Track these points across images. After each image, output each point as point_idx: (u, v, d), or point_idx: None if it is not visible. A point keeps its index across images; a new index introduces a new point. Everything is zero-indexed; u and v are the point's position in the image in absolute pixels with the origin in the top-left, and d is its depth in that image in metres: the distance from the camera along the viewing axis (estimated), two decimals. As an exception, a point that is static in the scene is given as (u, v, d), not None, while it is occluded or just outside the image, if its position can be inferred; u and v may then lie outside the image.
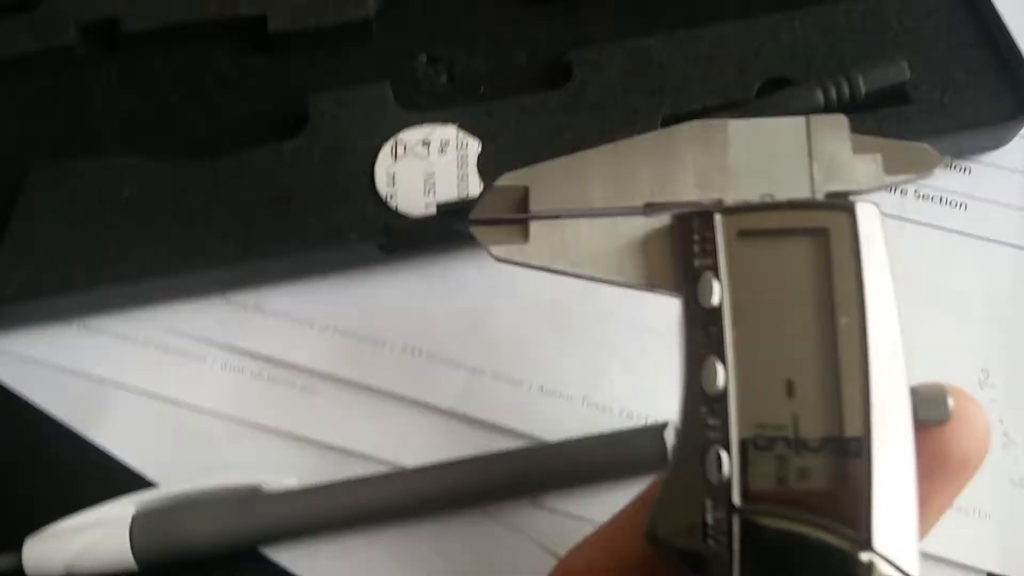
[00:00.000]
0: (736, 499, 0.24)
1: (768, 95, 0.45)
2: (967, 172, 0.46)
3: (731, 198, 0.28)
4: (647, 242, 0.28)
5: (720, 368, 0.25)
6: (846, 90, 0.44)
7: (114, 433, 0.42)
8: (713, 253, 0.26)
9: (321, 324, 0.44)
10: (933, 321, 0.43)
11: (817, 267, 0.26)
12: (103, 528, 0.38)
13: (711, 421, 0.25)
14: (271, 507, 0.39)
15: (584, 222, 0.28)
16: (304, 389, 0.43)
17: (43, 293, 0.42)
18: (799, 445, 0.25)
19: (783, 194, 0.28)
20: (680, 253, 0.27)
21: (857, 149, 0.29)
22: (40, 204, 0.44)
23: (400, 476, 0.40)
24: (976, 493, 0.38)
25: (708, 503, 0.24)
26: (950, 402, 0.25)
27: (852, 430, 0.24)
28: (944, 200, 0.46)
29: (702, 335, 0.25)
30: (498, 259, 0.29)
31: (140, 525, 0.38)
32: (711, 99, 0.45)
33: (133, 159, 0.45)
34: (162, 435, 0.42)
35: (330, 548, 0.40)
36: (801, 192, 0.28)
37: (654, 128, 0.43)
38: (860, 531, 0.24)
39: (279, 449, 0.42)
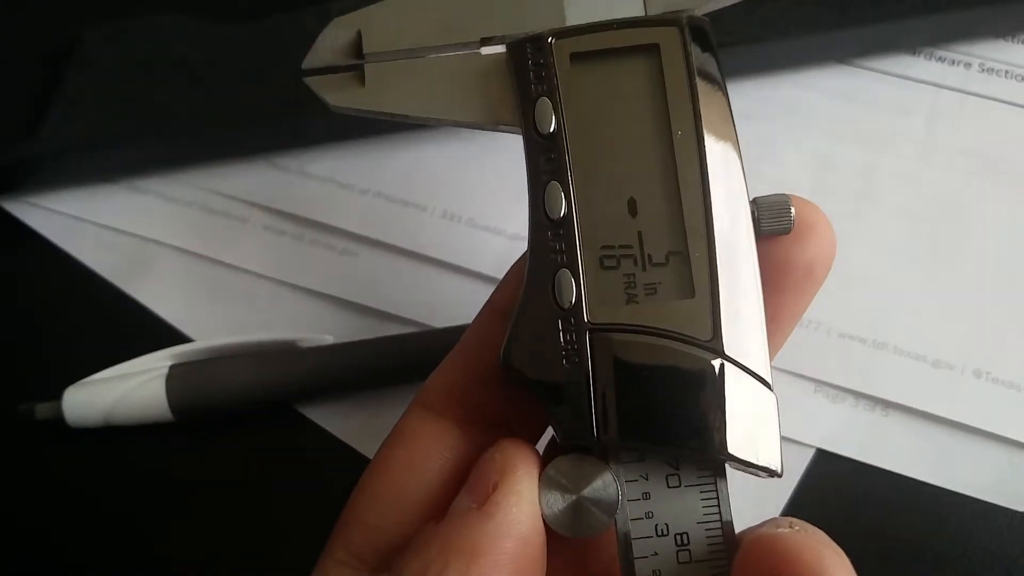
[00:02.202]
0: (587, 318, 0.24)
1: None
2: (1037, 45, 0.44)
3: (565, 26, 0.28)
4: (486, 78, 0.27)
5: (561, 193, 0.25)
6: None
7: (156, 291, 0.43)
8: (549, 78, 0.26)
9: (363, 188, 0.43)
10: (995, 195, 0.42)
11: (650, 84, 0.26)
12: (140, 378, 0.39)
13: (557, 245, 0.25)
14: (305, 361, 0.39)
15: (421, 62, 0.27)
16: (344, 252, 0.43)
17: (94, 147, 0.43)
18: (645, 261, 0.25)
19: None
20: (516, 82, 0.26)
21: None
22: (92, 62, 0.44)
23: (434, 334, 0.39)
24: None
25: (560, 325, 0.24)
26: (793, 211, 0.25)
27: (695, 240, 0.25)
28: (1010, 74, 0.43)
29: (542, 161, 0.25)
30: (335, 108, 0.28)
31: (176, 375, 0.39)
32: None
33: (183, 19, 0.45)
34: (203, 294, 0.43)
35: (362, 409, 0.40)
36: (634, 14, 0.27)
37: None
38: (710, 339, 0.24)
39: (318, 310, 0.42)
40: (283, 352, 0.40)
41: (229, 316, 0.42)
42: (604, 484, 0.24)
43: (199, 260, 0.43)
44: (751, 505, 0.36)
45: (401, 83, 0.27)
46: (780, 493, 0.37)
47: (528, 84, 0.26)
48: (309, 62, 0.28)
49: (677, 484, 0.25)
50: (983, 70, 0.44)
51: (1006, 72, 0.44)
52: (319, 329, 0.41)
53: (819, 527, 0.36)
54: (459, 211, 0.42)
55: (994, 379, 0.38)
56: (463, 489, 0.25)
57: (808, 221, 0.26)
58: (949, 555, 0.37)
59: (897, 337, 0.39)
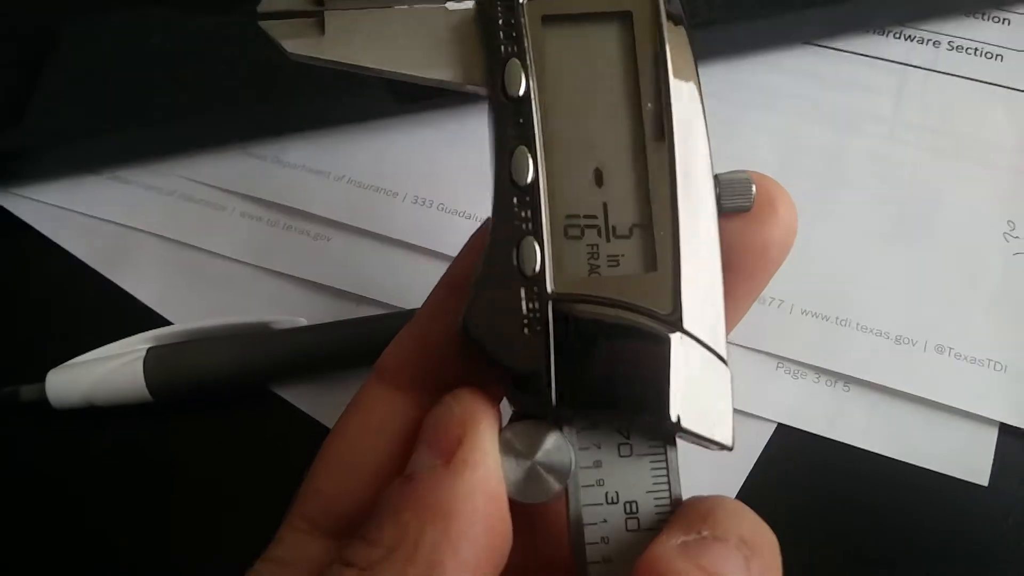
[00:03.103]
0: (550, 288, 0.24)
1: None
2: (1005, 23, 0.44)
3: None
4: (454, 33, 0.26)
5: (529, 158, 0.25)
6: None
7: (137, 277, 0.44)
8: (519, 39, 0.25)
9: (336, 174, 0.44)
10: (961, 173, 0.42)
11: (622, 52, 0.26)
12: (119, 360, 0.40)
13: (523, 213, 0.25)
14: (278, 343, 0.40)
15: (386, 13, 0.26)
16: (318, 237, 0.43)
17: (76, 138, 0.44)
18: (609, 232, 0.25)
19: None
20: (485, 41, 0.26)
21: None
22: (72, 55, 0.45)
23: (403, 315, 0.40)
24: (990, 344, 0.38)
25: (522, 293, 0.24)
26: (754, 188, 0.25)
27: (660, 214, 0.25)
28: (979, 51, 0.44)
29: (511, 125, 0.25)
30: (292, 55, 0.27)
31: (153, 357, 0.40)
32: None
33: (161, 12, 0.46)
34: (182, 279, 0.43)
35: (334, 388, 0.41)
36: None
37: None
38: (670, 313, 0.24)
39: (293, 294, 0.43)
40: (257, 334, 0.41)
41: (207, 300, 0.43)
42: (557, 449, 0.25)
43: (178, 247, 0.44)
44: (713, 477, 0.37)
45: (364, 33, 0.26)
46: (741, 467, 0.38)
47: (497, 44, 0.25)
48: (266, 5, 0.27)
49: (628, 453, 0.25)
50: (952, 48, 0.44)
51: (975, 49, 0.44)
52: (294, 312, 0.42)
53: (780, 501, 0.37)
54: (429, 196, 0.43)
55: (956, 354, 0.38)
56: (422, 443, 0.25)
57: (767, 199, 0.26)
58: (910, 527, 0.37)
59: (860, 313, 0.39)
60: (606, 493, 0.25)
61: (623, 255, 0.25)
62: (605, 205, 0.25)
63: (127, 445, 0.41)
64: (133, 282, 0.44)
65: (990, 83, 0.43)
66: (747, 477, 0.38)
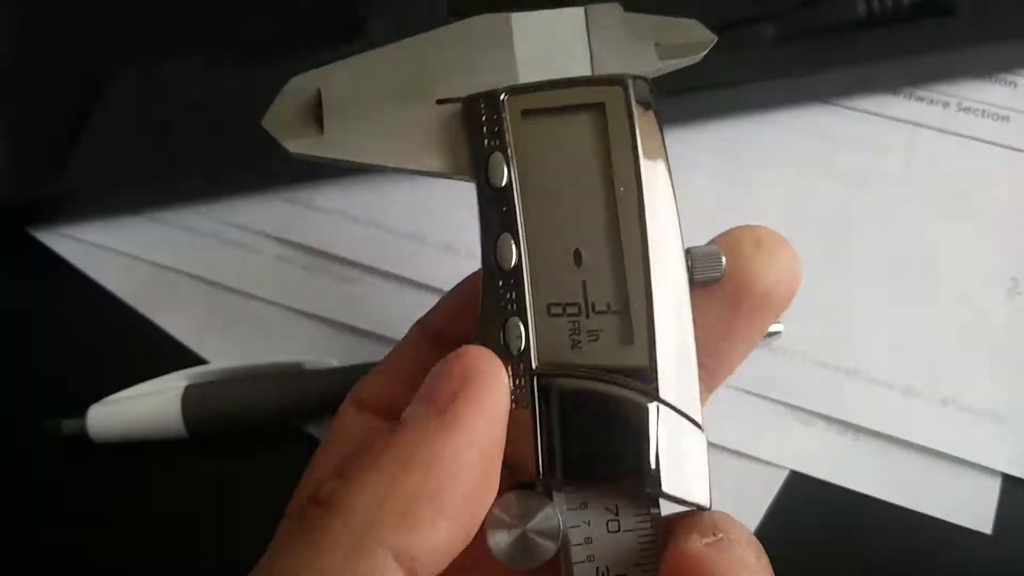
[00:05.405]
0: (534, 364, 0.26)
1: (812, 6, 0.45)
2: (1012, 85, 0.46)
3: (516, 89, 0.29)
4: (442, 129, 0.28)
5: (512, 244, 0.26)
6: (888, 0, 0.44)
7: (174, 315, 0.45)
8: (501, 134, 0.27)
9: (368, 220, 0.46)
10: (968, 230, 0.44)
11: (596, 140, 0.27)
12: (158, 397, 0.42)
13: (508, 295, 0.26)
14: (309, 383, 0.42)
15: (379, 113, 0.28)
16: (349, 280, 0.45)
17: (118, 182, 0.46)
18: (589, 309, 0.26)
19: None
20: (470, 136, 0.27)
21: (634, 37, 0.28)
22: (117, 103, 0.47)
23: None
24: (993, 397, 0.39)
25: (509, 370, 0.26)
26: (723, 260, 0.27)
27: (635, 291, 0.26)
28: (987, 113, 0.45)
29: (495, 214, 0.27)
30: (295, 154, 0.28)
31: (190, 395, 0.42)
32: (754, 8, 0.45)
33: (200, 63, 0.48)
34: (217, 319, 0.45)
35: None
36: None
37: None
38: (647, 383, 0.26)
39: (325, 335, 0.44)
40: (290, 374, 0.42)
41: (241, 340, 0.45)
42: (547, 516, 0.26)
43: (214, 287, 0.46)
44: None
45: (359, 132, 0.28)
46: (755, 511, 0.39)
47: (481, 138, 0.27)
48: (268, 119, 0.29)
49: (617, 529, 0.26)
50: (960, 109, 0.46)
51: (983, 111, 0.45)
52: (325, 352, 0.43)
53: (791, 544, 0.38)
54: (457, 242, 0.45)
55: (960, 406, 0.40)
56: (419, 395, 0.25)
57: (770, 249, 0.27)
58: (917, 573, 0.39)
59: (868, 365, 0.41)
60: (596, 568, 0.26)
61: (602, 330, 0.26)
62: (584, 283, 0.26)
63: (162, 477, 0.43)
64: (170, 320, 0.45)
65: (997, 144, 0.45)
66: (761, 520, 0.39)
